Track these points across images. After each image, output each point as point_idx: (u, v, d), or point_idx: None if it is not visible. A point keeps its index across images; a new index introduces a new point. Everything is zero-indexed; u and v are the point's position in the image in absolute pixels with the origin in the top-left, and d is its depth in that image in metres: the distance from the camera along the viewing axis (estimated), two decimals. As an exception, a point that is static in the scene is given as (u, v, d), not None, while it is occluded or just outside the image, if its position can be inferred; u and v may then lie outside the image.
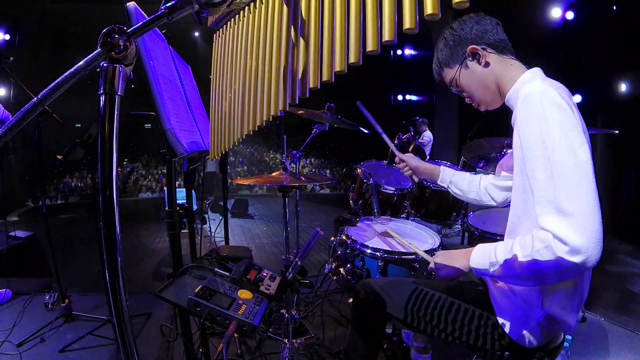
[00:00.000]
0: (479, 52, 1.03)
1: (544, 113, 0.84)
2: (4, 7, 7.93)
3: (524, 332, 0.99)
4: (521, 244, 0.85)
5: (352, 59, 0.79)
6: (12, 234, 3.64)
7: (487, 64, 1.04)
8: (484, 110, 1.17)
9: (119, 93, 0.62)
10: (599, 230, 0.77)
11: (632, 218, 5.12)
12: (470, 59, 1.05)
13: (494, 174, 1.41)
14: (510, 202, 1.04)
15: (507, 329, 1.01)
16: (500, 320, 1.03)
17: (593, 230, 0.76)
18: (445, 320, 1.11)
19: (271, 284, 1.37)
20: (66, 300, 2.29)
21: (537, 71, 1.02)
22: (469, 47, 1.04)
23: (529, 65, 1.06)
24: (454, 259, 1.06)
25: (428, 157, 5.69)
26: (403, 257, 1.61)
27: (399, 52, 10.89)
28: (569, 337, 1.80)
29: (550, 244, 0.78)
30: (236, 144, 1.25)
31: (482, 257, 0.95)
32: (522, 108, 0.89)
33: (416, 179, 1.56)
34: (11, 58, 2.27)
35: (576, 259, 0.76)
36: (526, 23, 5.43)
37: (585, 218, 0.76)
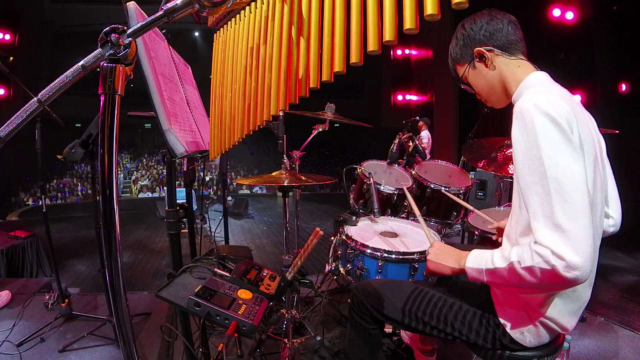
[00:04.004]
0: (485, 55, 1.03)
1: (535, 128, 0.84)
2: (4, 7, 7.92)
3: (524, 331, 1.00)
4: (519, 254, 0.85)
5: (352, 59, 0.79)
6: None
7: (493, 66, 1.04)
8: (490, 107, 1.18)
9: (119, 93, 0.62)
10: (592, 246, 0.79)
11: (631, 218, 5.12)
12: (477, 59, 1.06)
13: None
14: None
15: (508, 329, 1.02)
16: (502, 320, 1.03)
17: (588, 246, 0.78)
18: (444, 321, 1.11)
19: (271, 283, 1.36)
20: (66, 300, 2.29)
21: (542, 76, 1.00)
22: (475, 49, 1.05)
23: (538, 67, 1.04)
24: (446, 257, 1.07)
25: (429, 157, 5.68)
26: (403, 257, 1.61)
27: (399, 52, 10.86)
28: (569, 337, 1.80)
29: (549, 259, 0.79)
30: (237, 143, 1.25)
31: (479, 261, 0.96)
32: (516, 123, 0.89)
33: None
34: (11, 58, 2.26)
35: (571, 275, 0.77)
36: (526, 23, 5.43)
37: (580, 234, 0.78)
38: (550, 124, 0.83)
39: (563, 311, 0.97)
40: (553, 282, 0.80)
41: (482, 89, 1.10)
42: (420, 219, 1.45)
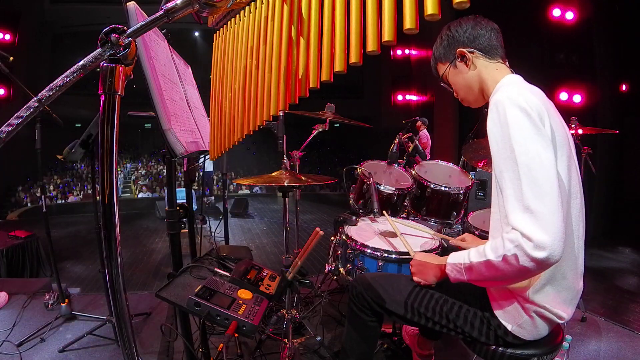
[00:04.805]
0: (466, 55, 1.09)
1: (507, 119, 0.90)
2: (4, 7, 7.92)
3: (521, 323, 1.02)
4: (492, 246, 0.90)
5: (352, 59, 0.79)
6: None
7: (473, 67, 1.10)
8: (466, 106, 1.24)
9: (119, 93, 0.62)
10: (562, 227, 0.83)
11: (631, 218, 5.13)
12: (458, 60, 1.11)
13: None
14: None
15: (506, 325, 1.03)
16: (499, 316, 1.04)
17: (557, 227, 0.82)
18: (446, 317, 1.12)
19: (271, 283, 1.37)
20: (66, 300, 2.29)
21: (516, 77, 1.07)
22: (458, 50, 1.10)
23: (515, 71, 1.10)
24: (428, 272, 1.15)
25: (429, 157, 5.68)
26: (403, 256, 1.61)
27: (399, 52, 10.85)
28: (569, 337, 1.80)
29: (519, 243, 0.83)
30: (236, 143, 1.25)
31: (457, 264, 1.01)
32: (490, 115, 0.95)
33: None
34: (11, 58, 2.26)
35: (540, 254, 0.81)
36: (526, 23, 5.43)
37: (549, 215, 0.82)
38: (522, 114, 0.89)
39: (557, 299, 0.99)
40: (526, 266, 0.83)
41: (461, 87, 1.16)
42: (401, 238, 1.49)
